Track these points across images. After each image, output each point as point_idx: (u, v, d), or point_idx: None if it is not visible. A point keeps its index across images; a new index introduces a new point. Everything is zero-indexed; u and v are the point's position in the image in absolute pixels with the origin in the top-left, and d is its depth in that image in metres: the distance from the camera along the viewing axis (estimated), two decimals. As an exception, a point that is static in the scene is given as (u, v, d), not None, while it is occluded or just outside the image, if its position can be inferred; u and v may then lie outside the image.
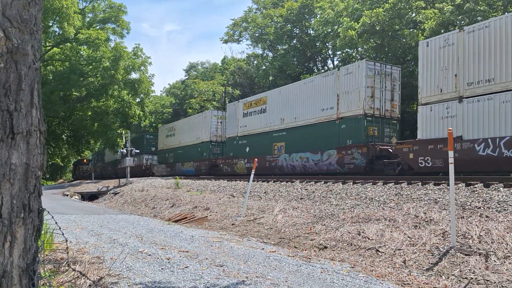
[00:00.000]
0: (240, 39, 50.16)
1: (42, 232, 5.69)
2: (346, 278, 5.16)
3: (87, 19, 41.64)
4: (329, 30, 37.60)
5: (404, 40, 29.49)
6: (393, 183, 11.74)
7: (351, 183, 12.91)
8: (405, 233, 7.27)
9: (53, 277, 4.62)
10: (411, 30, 30.23)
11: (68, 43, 38.02)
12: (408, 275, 5.57)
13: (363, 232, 7.72)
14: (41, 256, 5.04)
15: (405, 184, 11.31)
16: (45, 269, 4.84)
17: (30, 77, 1.63)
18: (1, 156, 1.55)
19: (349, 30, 30.95)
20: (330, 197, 11.66)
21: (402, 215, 8.36)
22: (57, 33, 38.21)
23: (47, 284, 4.20)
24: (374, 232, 7.63)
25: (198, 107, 49.62)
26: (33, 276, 1.57)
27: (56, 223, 3.78)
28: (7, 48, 1.54)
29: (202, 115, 34.40)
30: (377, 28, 29.76)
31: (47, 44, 38.93)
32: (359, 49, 36.97)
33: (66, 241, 4.07)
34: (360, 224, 8.28)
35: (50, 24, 35.82)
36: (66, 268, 5.09)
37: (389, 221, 8.12)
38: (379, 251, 6.81)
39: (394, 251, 6.67)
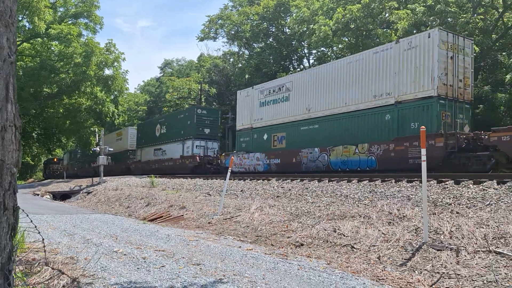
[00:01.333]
0: (216, 36, 49.96)
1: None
2: (322, 275, 5.23)
3: (59, 14, 40.50)
4: (305, 28, 37.92)
5: (378, 39, 30.06)
6: (367, 181, 11.96)
7: (327, 181, 13.08)
8: (379, 230, 7.42)
9: (25, 278, 4.49)
10: (385, 30, 30.86)
11: (39, 38, 36.88)
12: (382, 270, 5.69)
13: (338, 229, 7.83)
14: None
15: (379, 181, 11.55)
16: (17, 270, 4.70)
17: (5, 71, 1.56)
18: None
19: (323, 27, 31.32)
20: (306, 195, 11.77)
21: (376, 212, 8.52)
22: (27, 28, 37.01)
23: (23, 284, 4.08)
24: (349, 229, 7.76)
25: (175, 104, 49.13)
26: (9, 276, 1.50)
27: (31, 221, 3.68)
28: (-20, 41, 1.47)
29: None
30: (351, 26, 30.23)
31: (17, 39, 37.65)
32: (334, 48, 37.45)
33: (43, 240, 3.96)
34: (336, 221, 8.40)
35: (20, 19, 34.65)
36: (39, 269, 4.96)
37: (363, 218, 8.27)
38: (354, 248, 6.93)
39: (369, 247, 6.80)
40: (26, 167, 64.88)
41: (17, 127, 1.59)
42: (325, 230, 7.98)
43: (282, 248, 7.45)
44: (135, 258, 5.85)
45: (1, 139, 1.52)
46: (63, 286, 4.47)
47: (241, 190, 14.43)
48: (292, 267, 5.64)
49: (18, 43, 37.58)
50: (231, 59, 51.22)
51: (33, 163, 65.87)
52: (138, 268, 5.25)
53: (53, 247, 6.68)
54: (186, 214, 11.82)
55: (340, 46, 35.69)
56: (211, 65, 52.25)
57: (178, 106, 48.60)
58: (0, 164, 1.53)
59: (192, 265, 5.49)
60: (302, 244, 7.57)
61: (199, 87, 48.28)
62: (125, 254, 6.15)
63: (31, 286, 4.15)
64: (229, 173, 11.66)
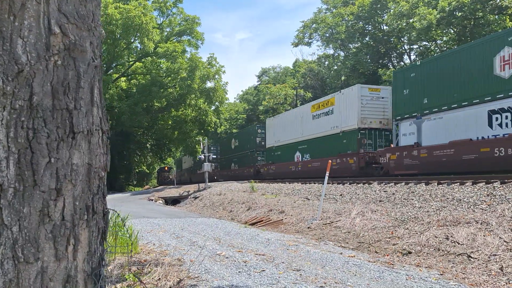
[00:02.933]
0: (310, 41, 49.67)
1: (130, 236, 5.93)
2: (435, 286, 4.70)
3: (165, 34, 44.13)
4: (404, 23, 35.71)
5: (488, 28, 26.94)
6: (483, 183, 10.65)
7: (436, 184, 11.96)
8: (500, 237, 6.49)
9: (136, 280, 4.77)
10: (497, 16, 27.54)
11: (149, 57, 40.58)
12: (506, 283, 4.93)
13: (451, 236, 7.05)
14: (127, 258, 5.26)
15: (498, 183, 10.19)
16: (130, 270, 5.05)
17: (90, 74, 1.60)
18: (62, 157, 1.52)
19: (427, 15, 29.02)
20: (413, 199, 10.89)
21: (496, 217, 7.51)
22: (139, 48, 41.00)
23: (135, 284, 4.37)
24: (464, 236, 6.93)
25: (272, 110, 50.05)
26: (98, 281, 1.52)
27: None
28: (64, 45, 1.52)
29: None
30: (458, 15, 27.54)
31: (130, 59, 41.93)
32: (437, 41, 34.60)
33: (153, 243, 4.16)
34: (448, 227, 7.58)
35: (132, 40, 38.51)
36: (149, 269, 5.26)
37: (481, 224, 7.33)
38: (471, 257, 6.15)
39: (489, 257, 5.97)
40: (142, 175, 71.36)
41: (104, 131, 1.63)
42: (436, 237, 7.24)
43: (387, 255, 6.93)
44: (236, 262, 5.92)
45: (88, 143, 1.56)
46: (170, 287, 4.66)
47: (340, 195, 13.95)
48: (400, 276, 5.18)
49: (131, 62, 41.96)
50: (326, 62, 50.46)
51: (148, 171, 72.22)
52: (239, 272, 5.28)
53: (163, 249, 7.09)
54: (285, 218, 11.77)
55: (444, 38, 32.81)
56: (306, 70, 52.08)
57: (275, 112, 49.37)
58: (88, 168, 1.56)
59: (292, 271, 5.36)
60: (410, 252, 6.97)
61: (295, 93, 48.42)
62: (227, 257, 6.26)
63: (142, 286, 4.41)
64: (326, 177, 11.33)
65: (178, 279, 4.91)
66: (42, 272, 1.46)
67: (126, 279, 4.68)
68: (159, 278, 4.89)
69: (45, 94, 1.47)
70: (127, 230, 6.12)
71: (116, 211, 5.37)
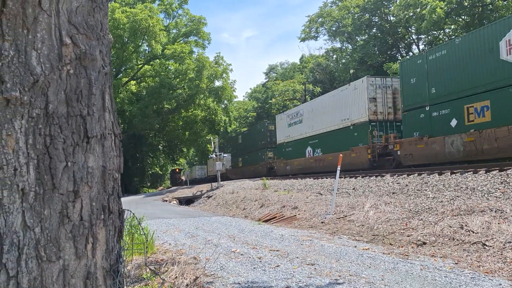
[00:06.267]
0: (317, 35, 49.46)
1: (146, 236, 6.04)
2: (449, 275, 4.70)
3: (172, 35, 44.39)
4: (411, 13, 35.31)
5: (497, 13, 26.51)
6: (497, 171, 10.54)
7: (449, 174, 11.87)
8: (516, 225, 6.45)
9: (153, 278, 4.87)
10: (506, 1, 27.10)
11: (157, 59, 40.87)
12: (523, 271, 4.91)
13: (466, 226, 7.01)
14: (144, 258, 5.37)
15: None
16: (147, 270, 5.15)
17: (101, 81, 1.68)
18: (78, 160, 1.61)
19: (437, 9, 28.66)
20: (426, 190, 10.84)
21: (510, 204, 7.46)
22: (147, 51, 41.33)
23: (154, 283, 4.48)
24: (478, 224, 6.90)
25: (281, 107, 49.96)
26: (116, 277, 1.60)
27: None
28: (75, 54, 1.60)
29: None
30: (465, 4, 27.16)
31: (139, 62, 42.31)
32: (446, 30, 34.15)
33: (169, 243, 4.25)
34: (462, 217, 7.54)
35: (140, 44, 38.83)
36: (166, 268, 5.36)
37: (495, 212, 7.28)
38: (486, 245, 6.12)
39: (504, 245, 5.94)
40: (155, 177, 71.94)
41: (116, 134, 1.70)
42: (450, 227, 7.22)
43: (401, 247, 6.94)
44: (251, 258, 5.99)
45: (102, 147, 1.63)
46: (187, 285, 4.74)
47: (353, 188, 13.92)
48: (414, 267, 5.20)
49: (140, 66, 42.32)
50: (334, 56, 50.18)
51: (161, 173, 72.83)
52: (254, 268, 5.35)
53: (179, 248, 7.19)
54: (299, 214, 11.81)
55: (453, 27, 32.33)
56: (314, 65, 51.86)
57: (285, 108, 49.30)
58: (102, 171, 1.64)
59: (307, 265, 5.41)
60: (424, 243, 6.96)
61: (303, 88, 48.27)
62: (242, 254, 6.34)
63: (158, 285, 4.51)
64: (338, 171, 11.33)
65: (195, 277, 5.00)
66: (64, 270, 1.55)
67: (144, 278, 4.78)
68: (176, 277, 4.98)
69: (59, 102, 1.55)
70: (143, 231, 6.24)
71: (132, 212, 5.49)
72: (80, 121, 1.63)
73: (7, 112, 1.44)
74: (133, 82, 43.37)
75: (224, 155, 32.56)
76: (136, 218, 5.97)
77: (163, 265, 5.59)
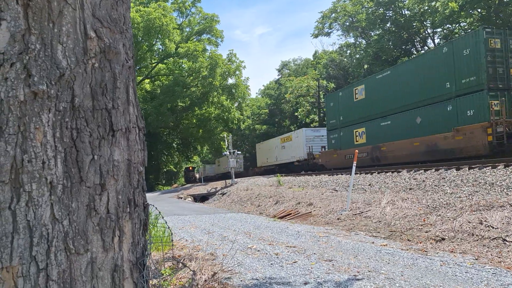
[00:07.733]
0: (330, 31, 49.02)
1: (163, 232, 6.07)
2: (470, 271, 4.62)
3: (185, 33, 44.56)
4: (426, 7, 34.72)
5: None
6: (519, 165, 10.33)
7: (467, 169, 11.68)
8: (539, 220, 6.30)
9: (173, 274, 4.90)
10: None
11: (171, 58, 41.08)
12: (547, 266, 4.80)
13: (485, 221, 6.89)
14: (162, 254, 5.40)
15: (534, 165, 9.86)
16: (165, 266, 5.19)
17: (124, 75, 1.68)
18: (104, 154, 1.62)
19: (449, 3, 28.18)
20: (444, 185, 10.68)
21: (533, 200, 7.28)
22: (160, 50, 41.59)
23: (172, 279, 4.51)
24: (498, 220, 6.76)
25: (294, 104, 49.73)
26: (143, 269, 1.61)
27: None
28: (99, 48, 1.61)
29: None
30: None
31: (153, 61, 42.61)
32: (461, 24, 33.51)
33: (186, 240, 4.27)
34: (481, 212, 7.41)
35: (154, 43, 39.08)
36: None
37: (517, 207, 7.13)
38: (507, 241, 6.00)
39: (527, 240, 5.82)
40: (170, 174, 72.49)
41: (140, 128, 1.71)
42: (469, 222, 7.10)
43: (420, 243, 6.85)
44: (268, 254, 5.99)
45: (126, 140, 1.64)
46: (205, 280, 4.76)
47: (369, 184, 13.80)
48: (434, 263, 5.12)
49: (154, 64, 42.59)
50: (348, 51, 49.71)
51: (175, 170, 73.37)
52: (271, 264, 5.34)
53: (196, 244, 7.23)
54: (314, 210, 11.76)
55: (468, 20, 31.68)
56: (327, 60, 51.48)
57: (298, 105, 49.05)
58: (128, 164, 1.65)
59: (324, 261, 5.39)
60: (443, 239, 6.85)
61: (317, 84, 47.96)
62: (258, 250, 6.34)
63: (177, 281, 4.54)
64: (354, 167, 11.23)
65: (213, 273, 5.01)
66: (92, 262, 1.56)
67: (163, 274, 4.82)
68: (194, 273, 5.00)
69: (85, 95, 1.56)
70: (161, 227, 6.28)
71: (155, 207, 5.53)
72: (105, 114, 1.64)
73: (34, 106, 1.45)
74: (147, 80, 43.71)
75: (238, 152, 32.52)
76: (153, 215, 6.02)
77: (181, 261, 5.62)
